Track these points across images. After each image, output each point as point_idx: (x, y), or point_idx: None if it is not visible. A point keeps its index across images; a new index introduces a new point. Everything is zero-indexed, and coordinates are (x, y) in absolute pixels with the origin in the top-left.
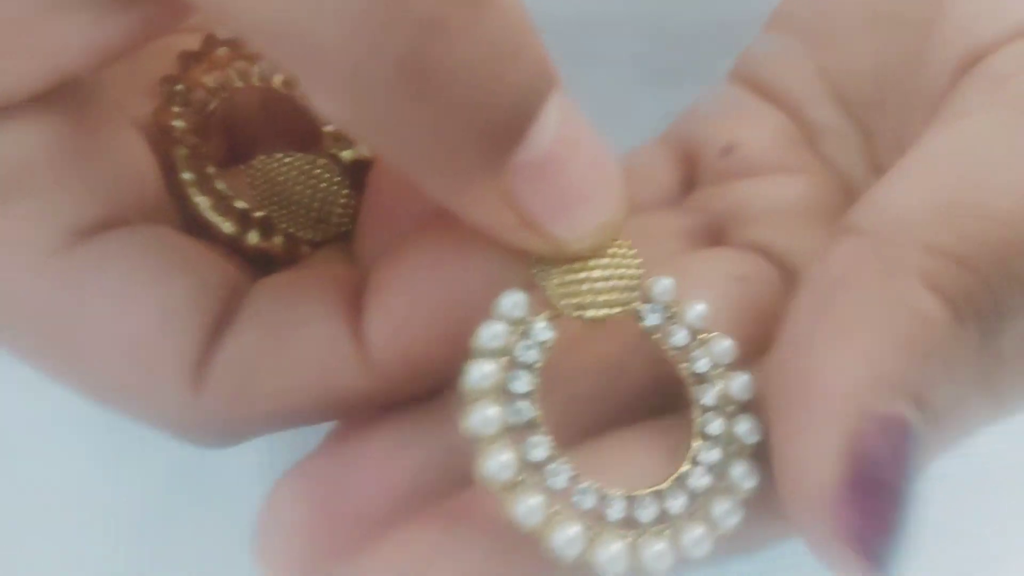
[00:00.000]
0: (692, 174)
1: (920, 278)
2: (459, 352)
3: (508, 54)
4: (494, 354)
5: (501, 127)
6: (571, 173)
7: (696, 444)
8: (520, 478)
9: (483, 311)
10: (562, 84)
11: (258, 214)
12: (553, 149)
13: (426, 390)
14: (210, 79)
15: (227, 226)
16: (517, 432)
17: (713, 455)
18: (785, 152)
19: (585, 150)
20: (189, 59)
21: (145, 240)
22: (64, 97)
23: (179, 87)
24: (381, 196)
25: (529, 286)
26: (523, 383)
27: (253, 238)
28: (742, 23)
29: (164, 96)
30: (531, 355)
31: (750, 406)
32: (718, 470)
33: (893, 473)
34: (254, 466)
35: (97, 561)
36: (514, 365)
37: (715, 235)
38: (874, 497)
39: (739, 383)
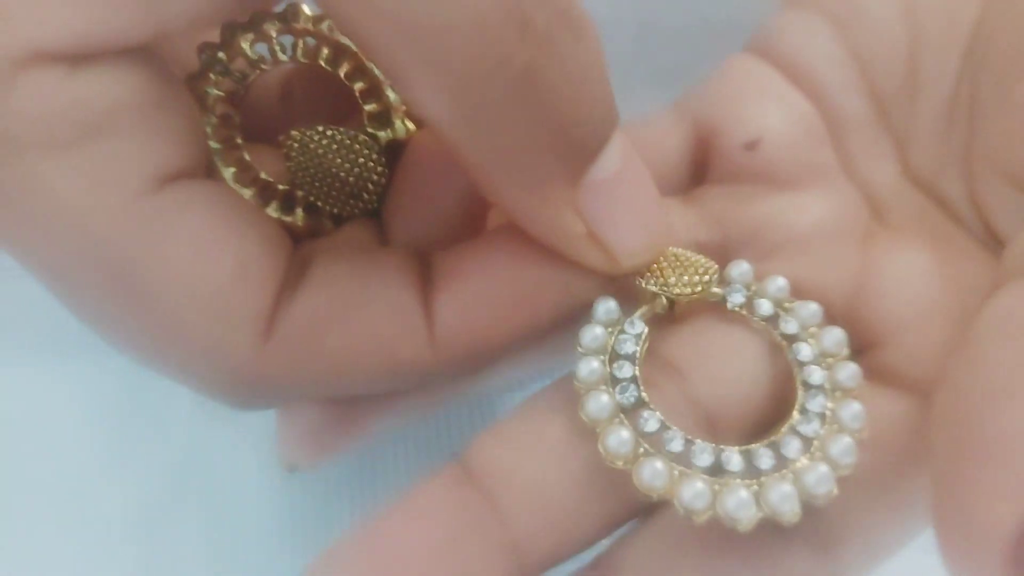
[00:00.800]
0: (705, 156)
1: None
2: (514, 340)
3: (596, 79)
4: (596, 352)
5: (583, 143)
6: (631, 196)
7: (801, 393)
8: (641, 449)
9: (542, 308)
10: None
11: (281, 187)
12: (619, 172)
13: (478, 370)
14: (252, 51)
15: (248, 195)
16: (629, 412)
17: (818, 402)
18: (809, 153)
19: (640, 178)
20: (236, 29)
21: (220, 193)
22: (151, 50)
23: (220, 55)
24: (415, 176)
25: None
26: (626, 370)
27: (274, 211)
28: (741, 23)
29: (203, 62)
30: (628, 347)
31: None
32: (826, 415)
33: None
34: (253, 467)
35: (98, 561)
36: (616, 357)
37: (727, 254)
38: None
39: (832, 337)
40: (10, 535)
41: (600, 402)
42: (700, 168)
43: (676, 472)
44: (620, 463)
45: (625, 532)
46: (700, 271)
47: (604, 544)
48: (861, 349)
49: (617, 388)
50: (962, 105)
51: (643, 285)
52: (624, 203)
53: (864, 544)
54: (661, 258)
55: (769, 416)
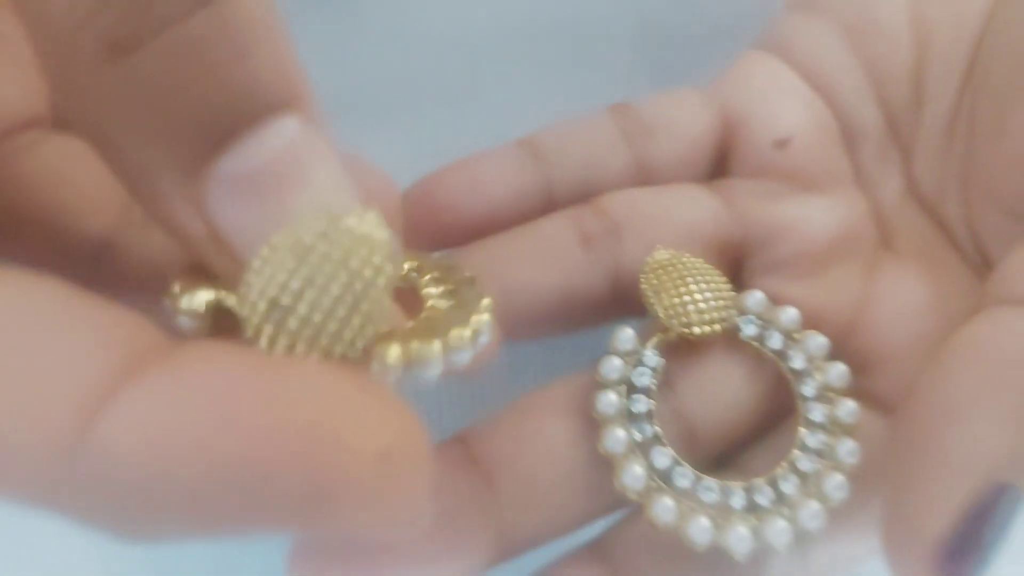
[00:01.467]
0: (728, 143)
1: None
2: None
3: (234, 53)
4: (614, 384)
5: (207, 127)
6: (284, 199)
7: (801, 431)
8: (652, 485)
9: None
10: (313, 114)
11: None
12: (270, 168)
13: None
14: None
15: None
16: (644, 447)
17: (817, 439)
18: (830, 159)
19: (319, 185)
20: None
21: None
22: None
23: None
24: None
25: None
26: (641, 404)
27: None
28: (741, 23)
29: None
30: (644, 380)
31: (848, 394)
32: (824, 452)
33: (995, 535)
34: None
35: (104, 562)
36: (632, 390)
37: (745, 252)
38: (973, 553)
39: (836, 372)
40: (15, 536)
41: (616, 437)
42: (723, 156)
43: (684, 508)
44: (634, 497)
45: (620, 519)
46: (719, 293)
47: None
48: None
49: (633, 424)
50: (962, 121)
51: (662, 316)
52: (269, 206)
53: (834, 554)
54: (680, 265)
55: (751, 430)
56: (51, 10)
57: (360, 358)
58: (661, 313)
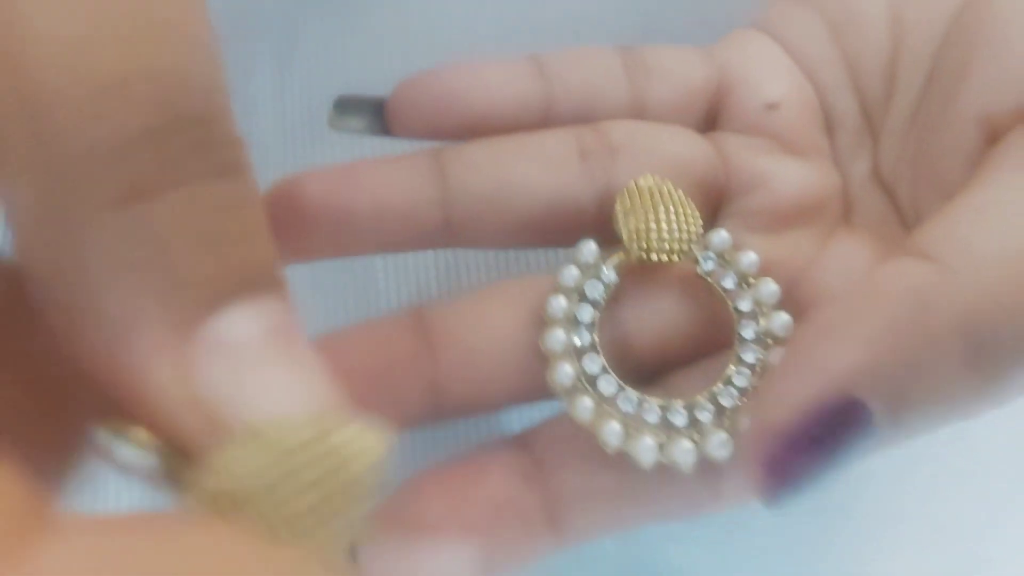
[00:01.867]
0: (722, 101)
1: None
2: None
3: (241, 226)
4: (567, 291)
5: (204, 288)
6: (268, 375)
7: (731, 368)
8: (579, 386)
9: None
10: (287, 302)
11: None
12: (257, 341)
13: None
14: None
15: None
16: (580, 352)
17: (744, 378)
18: (812, 132)
19: (296, 374)
20: None
21: None
22: None
23: None
24: None
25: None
26: (586, 314)
27: None
28: (729, 24)
29: None
30: (595, 293)
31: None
32: (748, 392)
33: (837, 445)
34: None
35: None
36: (582, 299)
37: (721, 199)
38: (810, 452)
39: (780, 321)
40: None
41: (556, 338)
42: (714, 111)
43: (601, 411)
44: (560, 393)
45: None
46: (685, 227)
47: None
48: None
49: (575, 330)
50: (922, 112)
51: (625, 239)
52: (257, 375)
53: (744, 488)
54: (657, 193)
55: (685, 356)
56: (66, 148)
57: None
58: (624, 235)
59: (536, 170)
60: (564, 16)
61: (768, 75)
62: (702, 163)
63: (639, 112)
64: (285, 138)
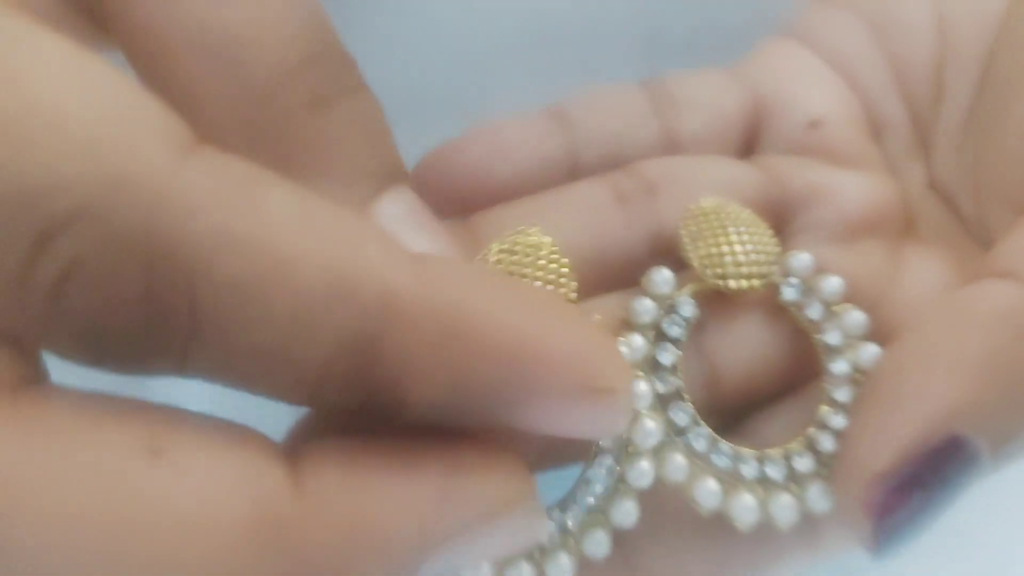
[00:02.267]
0: (759, 125)
1: None
2: None
3: (384, 127)
4: (644, 328)
5: (371, 177)
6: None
7: (824, 408)
8: (666, 441)
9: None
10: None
11: None
12: (399, 221)
13: None
14: None
15: None
16: (665, 400)
17: (839, 420)
18: (861, 144)
19: (424, 239)
20: None
21: None
22: None
23: None
24: None
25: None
26: (669, 356)
27: None
28: (751, 31)
29: None
30: (675, 331)
31: None
32: (844, 434)
33: (941, 485)
34: None
35: None
36: (660, 337)
37: (785, 213)
38: (913, 496)
39: (869, 354)
40: None
41: (638, 391)
42: (751, 135)
43: (695, 469)
44: (646, 452)
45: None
46: (761, 247)
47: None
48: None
49: (657, 375)
50: (978, 118)
51: (696, 265)
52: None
53: (844, 535)
54: (724, 213)
55: (772, 393)
56: (257, 65)
57: None
58: (696, 262)
59: (572, 226)
60: (571, 25)
61: (807, 90)
62: (751, 185)
63: (672, 148)
64: None
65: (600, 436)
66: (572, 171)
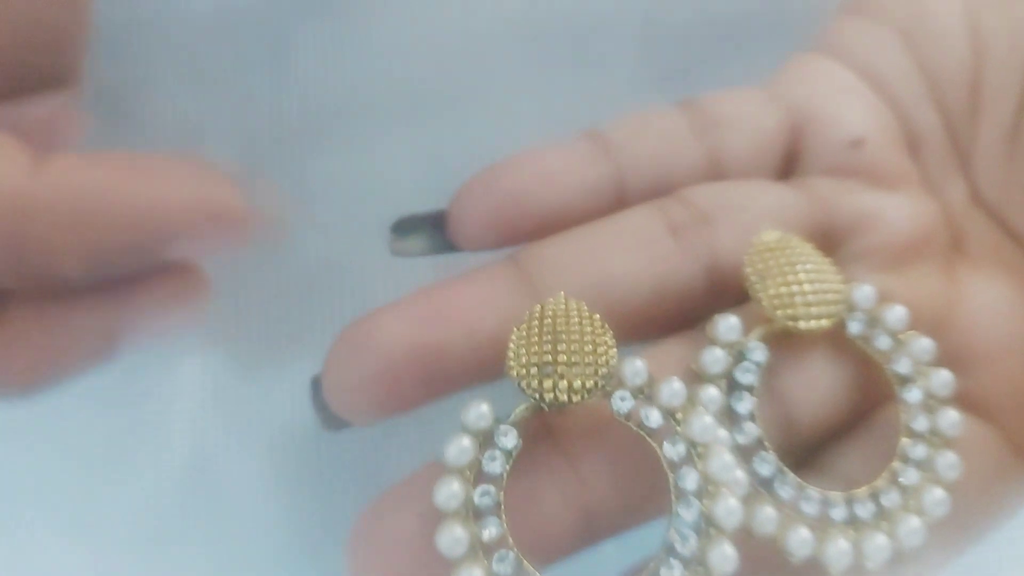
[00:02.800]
0: (799, 144)
1: None
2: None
3: None
4: (715, 378)
5: None
6: None
7: (904, 441)
8: (752, 492)
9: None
10: None
11: None
12: None
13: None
14: None
15: None
16: (747, 452)
17: (920, 450)
18: (901, 161)
19: None
20: None
21: None
22: None
23: None
24: None
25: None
26: (746, 404)
27: None
28: (747, 21)
29: None
30: (749, 377)
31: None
32: (925, 464)
33: None
34: (257, 473)
35: (101, 570)
36: (734, 387)
37: (832, 240)
38: None
39: (940, 380)
40: (11, 543)
41: (715, 436)
42: (791, 155)
43: (785, 518)
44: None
45: None
46: (829, 286)
47: None
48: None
49: (736, 426)
50: None
51: (766, 305)
52: None
53: (925, 569)
54: (785, 261)
55: (844, 427)
56: None
57: None
58: (766, 302)
59: (627, 259)
60: (568, 17)
61: (846, 108)
62: (800, 212)
63: (716, 171)
64: (282, 138)
65: (235, 241)
66: (618, 197)
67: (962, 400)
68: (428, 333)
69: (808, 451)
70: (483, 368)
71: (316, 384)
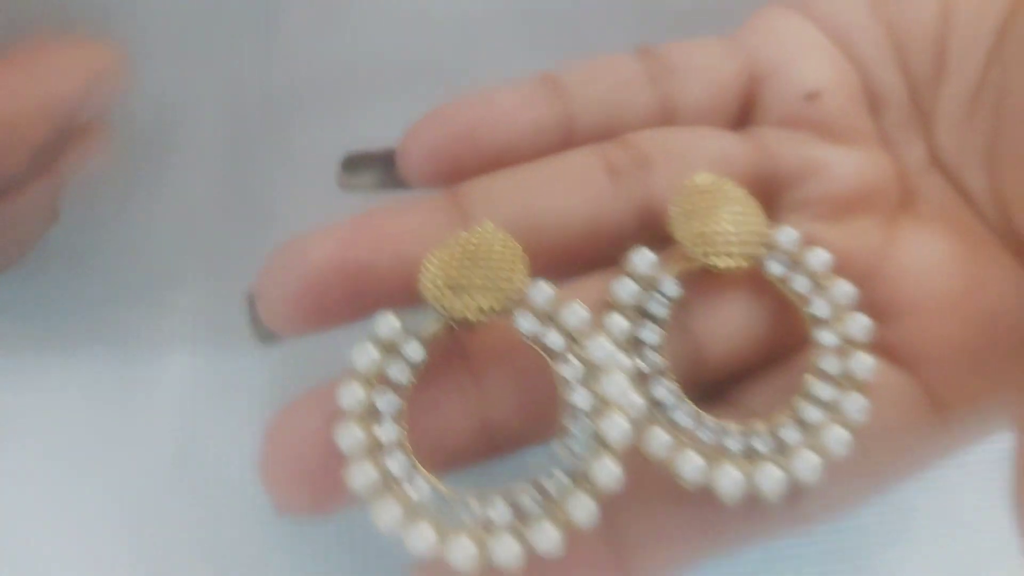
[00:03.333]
0: (756, 94)
1: None
2: None
3: None
4: (625, 308)
5: None
6: None
7: (809, 378)
8: (649, 417)
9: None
10: None
11: None
12: None
13: None
14: None
15: None
16: (649, 378)
17: (826, 390)
18: (857, 117)
19: None
20: None
21: None
22: None
23: None
24: None
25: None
26: (652, 334)
27: None
28: (743, 8)
29: None
30: (660, 310)
31: (867, 348)
32: (831, 405)
33: None
34: (246, 458)
35: (89, 555)
36: (643, 317)
37: (770, 193)
38: None
39: (858, 324)
40: (11, 534)
41: (613, 359)
42: (747, 106)
43: (678, 443)
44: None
45: None
46: (751, 226)
47: None
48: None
49: (640, 353)
50: (988, 93)
51: (688, 244)
52: None
53: (826, 503)
54: (718, 191)
55: (757, 365)
56: None
57: None
58: (687, 240)
59: (564, 194)
60: (565, 7)
61: (805, 61)
62: (744, 160)
63: (668, 118)
64: (270, 113)
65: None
66: (566, 140)
67: (885, 349)
68: (357, 253)
69: (717, 387)
70: (409, 290)
71: (251, 299)
